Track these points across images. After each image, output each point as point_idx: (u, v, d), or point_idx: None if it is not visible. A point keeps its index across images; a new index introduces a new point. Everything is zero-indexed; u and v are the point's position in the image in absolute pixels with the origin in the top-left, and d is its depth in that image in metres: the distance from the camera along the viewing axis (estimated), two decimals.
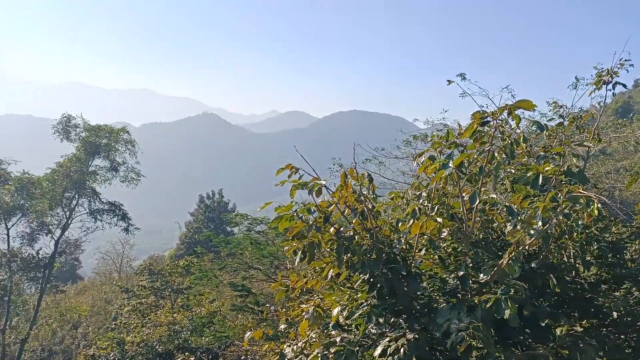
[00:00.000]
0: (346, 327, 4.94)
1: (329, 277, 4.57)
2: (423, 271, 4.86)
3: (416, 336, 4.17)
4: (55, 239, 21.50)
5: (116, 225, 22.08)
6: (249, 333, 5.01)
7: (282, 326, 6.07)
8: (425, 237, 4.62)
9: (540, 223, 3.89)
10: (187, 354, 5.83)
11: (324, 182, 4.44)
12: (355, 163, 4.80)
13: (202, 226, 54.51)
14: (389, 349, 4.11)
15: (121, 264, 56.19)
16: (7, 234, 20.51)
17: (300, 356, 4.99)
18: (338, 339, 4.55)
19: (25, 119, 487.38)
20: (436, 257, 4.99)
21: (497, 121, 4.32)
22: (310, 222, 4.35)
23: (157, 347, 17.28)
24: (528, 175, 4.32)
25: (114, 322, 28.16)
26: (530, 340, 4.53)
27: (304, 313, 4.73)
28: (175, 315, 21.19)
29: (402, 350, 4.01)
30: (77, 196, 21.32)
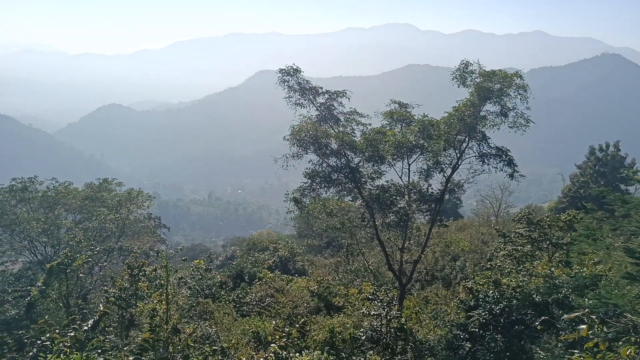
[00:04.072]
0: None
1: None
2: None
3: None
4: (446, 177, 23.63)
5: (501, 170, 22.29)
6: None
7: None
8: None
9: None
10: (594, 317, 5.38)
11: None
12: None
13: (589, 181, 49.63)
14: None
15: (499, 208, 57.39)
16: (408, 169, 23.91)
17: None
18: None
19: (423, 68, 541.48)
20: None
21: None
22: None
23: (535, 296, 17.13)
24: None
25: (489, 263, 29.42)
26: None
27: None
28: (552, 269, 20.45)
29: None
30: (467, 139, 22.58)
